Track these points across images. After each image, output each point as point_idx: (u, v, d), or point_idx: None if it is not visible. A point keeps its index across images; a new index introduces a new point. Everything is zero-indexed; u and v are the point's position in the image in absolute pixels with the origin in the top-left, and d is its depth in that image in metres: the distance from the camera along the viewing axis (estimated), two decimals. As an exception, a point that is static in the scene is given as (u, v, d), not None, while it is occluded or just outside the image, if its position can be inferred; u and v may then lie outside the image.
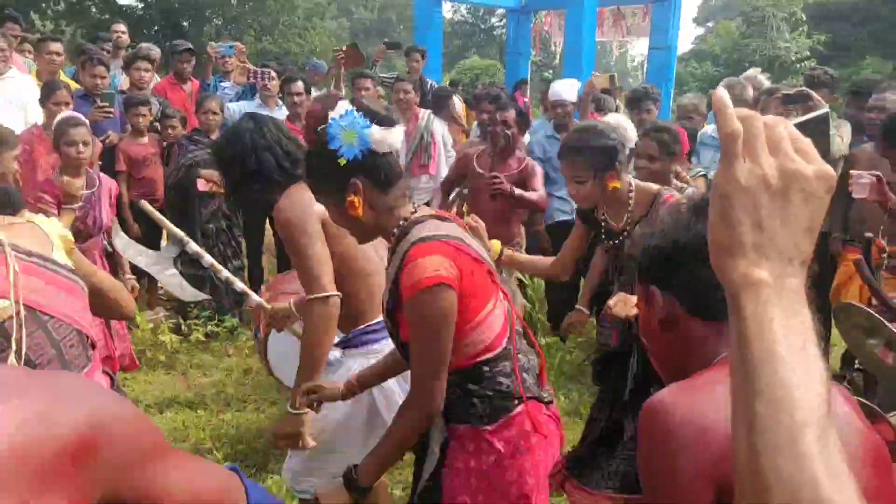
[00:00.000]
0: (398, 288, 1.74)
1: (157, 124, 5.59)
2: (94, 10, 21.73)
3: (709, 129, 5.03)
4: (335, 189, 1.78)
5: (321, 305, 2.30)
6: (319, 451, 2.47)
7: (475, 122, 6.61)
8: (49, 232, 1.88)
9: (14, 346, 1.66)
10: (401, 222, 1.81)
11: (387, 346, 2.28)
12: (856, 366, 4.27)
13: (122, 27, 7.28)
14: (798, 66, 25.44)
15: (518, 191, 4.28)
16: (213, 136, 5.24)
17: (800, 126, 0.73)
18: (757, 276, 0.68)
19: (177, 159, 5.30)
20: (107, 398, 0.83)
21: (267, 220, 5.43)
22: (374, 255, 2.46)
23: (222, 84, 6.53)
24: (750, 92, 4.86)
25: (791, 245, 0.69)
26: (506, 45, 16.13)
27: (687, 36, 57.69)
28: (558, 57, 15.71)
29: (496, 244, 2.69)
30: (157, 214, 3.23)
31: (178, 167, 5.24)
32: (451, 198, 4.93)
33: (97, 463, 0.74)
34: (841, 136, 4.28)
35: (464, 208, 4.79)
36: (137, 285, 4.07)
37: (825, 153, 0.72)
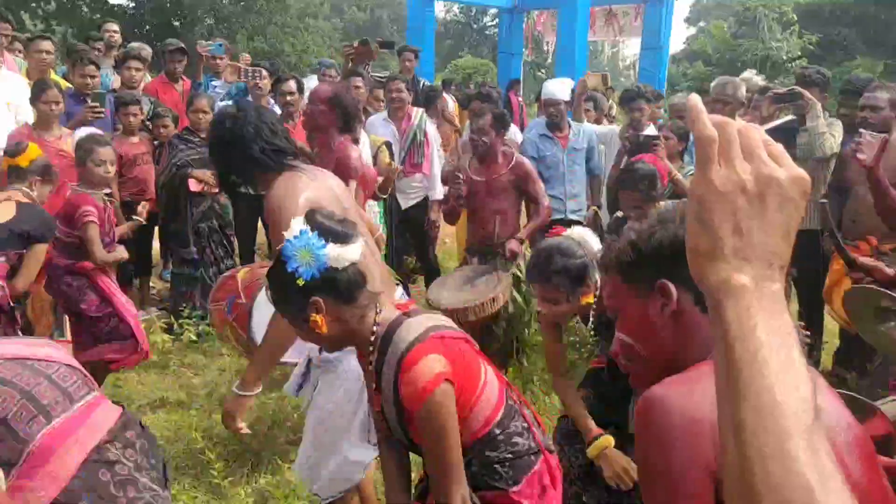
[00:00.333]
0: (400, 400, 1.77)
1: (148, 123, 5.58)
2: (84, 9, 21.62)
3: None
4: (297, 309, 1.77)
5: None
6: (324, 451, 2.48)
7: (468, 122, 6.62)
8: None
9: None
10: (374, 328, 1.83)
11: None
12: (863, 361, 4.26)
13: (114, 27, 7.25)
14: (790, 65, 25.52)
15: (523, 235, 4.45)
16: (204, 136, 5.22)
17: (769, 132, 0.74)
18: (738, 281, 0.68)
19: (167, 159, 5.28)
20: None
21: (259, 220, 5.41)
22: (367, 251, 2.46)
23: (213, 83, 6.51)
24: (744, 91, 4.87)
25: (770, 249, 0.69)
26: (498, 44, 16.14)
27: (679, 36, 58.02)
28: (551, 56, 15.74)
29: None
30: None
31: (169, 167, 5.23)
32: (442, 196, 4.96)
33: None
34: (833, 134, 4.30)
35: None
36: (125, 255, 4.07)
37: (793, 158, 0.73)
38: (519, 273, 4.22)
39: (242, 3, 25.75)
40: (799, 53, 26.78)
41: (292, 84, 5.46)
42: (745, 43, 28.25)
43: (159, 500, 1.78)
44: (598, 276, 2.54)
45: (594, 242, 2.69)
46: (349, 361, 2.46)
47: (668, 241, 1.27)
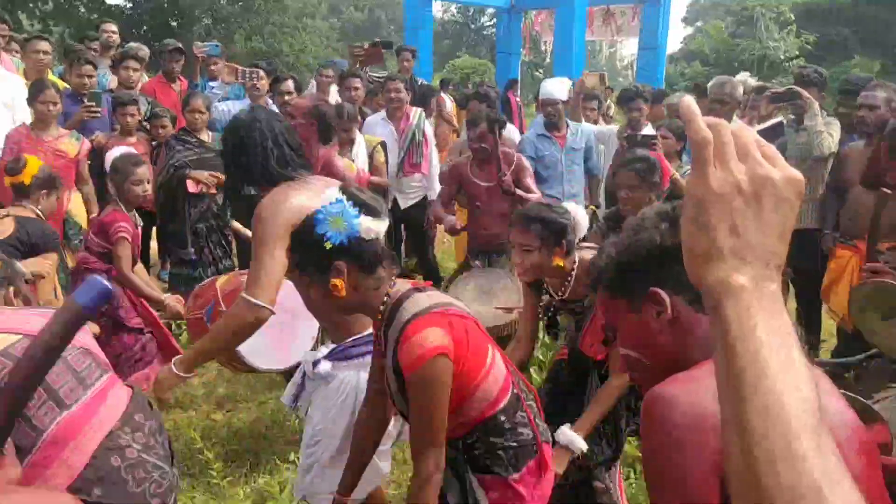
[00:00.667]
0: (399, 367, 1.82)
1: (145, 124, 5.57)
2: (82, 9, 21.61)
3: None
4: (319, 272, 1.86)
5: (244, 307, 2.25)
6: (317, 466, 2.48)
7: (465, 121, 6.63)
8: None
9: None
10: (385, 299, 1.90)
11: None
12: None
13: (112, 27, 7.23)
14: (787, 65, 25.57)
15: (519, 192, 4.37)
16: (202, 136, 5.22)
17: (760, 134, 0.75)
18: (737, 281, 0.68)
19: (165, 159, 5.27)
20: None
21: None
22: None
23: (211, 84, 6.51)
24: (740, 90, 4.88)
25: (767, 249, 0.69)
26: (496, 44, 16.15)
27: (676, 36, 57.90)
28: (548, 56, 15.76)
29: None
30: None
31: (166, 167, 5.21)
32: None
33: None
34: (831, 134, 4.30)
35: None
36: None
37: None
38: None
39: (240, 4, 25.76)
40: (796, 53, 26.83)
41: (290, 84, 5.47)
42: (742, 42, 28.31)
43: (167, 477, 1.79)
44: (575, 251, 2.70)
45: (583, 218, 2.80)
46: (342, 375, 2.45)
47: (648, 249, 1.27)
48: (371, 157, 5.11)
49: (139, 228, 3.97)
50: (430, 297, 1.89)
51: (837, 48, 27.96)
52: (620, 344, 1.36)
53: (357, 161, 4.94)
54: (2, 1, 17.38)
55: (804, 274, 4.40)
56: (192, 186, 5.12)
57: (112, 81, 6.25)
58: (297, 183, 2.47)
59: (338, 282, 1.83)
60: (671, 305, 1.23)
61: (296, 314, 2.68)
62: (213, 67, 6.60)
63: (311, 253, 1.85)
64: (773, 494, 0.61)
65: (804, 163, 4.25)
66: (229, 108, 5.74)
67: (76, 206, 4.87)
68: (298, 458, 2.77)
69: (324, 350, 2.55)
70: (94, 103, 5.08)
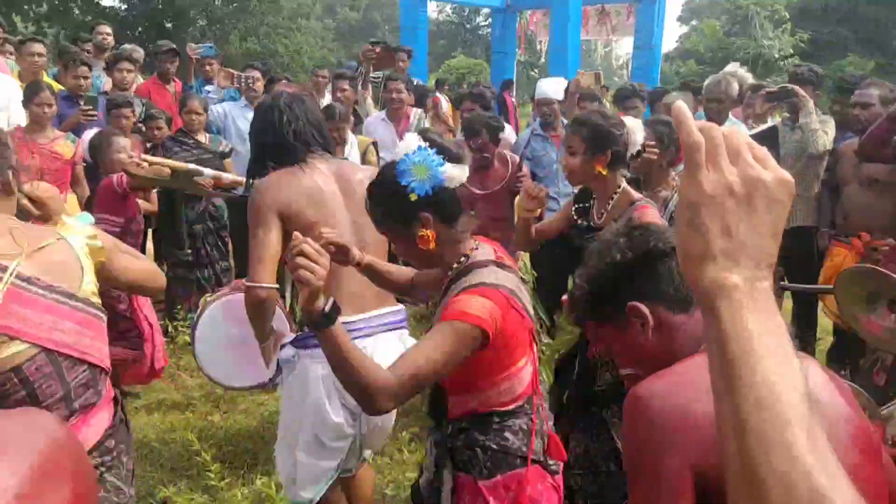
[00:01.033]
0: (440, 315, 1.74)
1: (141, 126, 5.56)
2: (76, 11, 21.56)
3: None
4: (403, 223, 1.78)
5: (246, 292, 2.37)
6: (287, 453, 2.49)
7: (461, 125, 6.64)
8: (78, 249, 1.81)
9: (26, 389, 1.67)
10: (461, 258, 1.84)
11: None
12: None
13: (106, 29, 7.22)
14: (782, 63, 25.62)
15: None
16: (199, 137, 5.21)
17: (753, 138, 0.76)
18: (729, 280, 0.69)
19: (161, 161, 5.26)
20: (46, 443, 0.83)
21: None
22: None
23: (206, 88, 6.51)
24: (735, 87, 4.87)
25: (759, 249, 0.70)
26: (491, 44, 16.15)
27: (671, 35, 58.14)
28: (544, 56, 15.75)
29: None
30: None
31: (163, 168, 5.20)
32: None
33: None
34: (826, 131, 4.31)
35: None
36: None
37: (777, 161, 0.75)
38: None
39: (235, 4, 25.72)
40: (791, 51, 26.90)
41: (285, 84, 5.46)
42: (737, 41, 28.36)
43: (123, 498, 1.83)
44: (622, 161, 2.69)
45: (639, 134, 2.79)
46: (306, 362, 2.43)
47: (614, 269, 1.32)
48: (363, 157, 5.12)
49: (142, 225, 4.00)
50: (505, 277, 1.79)
51: (832, 47, 28.02)
52: (620, 366, 1.41)
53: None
54: (-4, 3, 17.34)
55: (799, 272, 4.41)
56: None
57: (106, 83, 6.24)
58: (308, 165, 2.50)
59: (427, 233, 1.74)
60: (651, 314, 1.28)
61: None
62: (207, 68, 6.61)
63: (394, 207, 1.77)
64: (769, 484, 0.63)
65: (799, 160, 4.26)
66: (225, 110, 5.75)
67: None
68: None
69: (291, 335, 2.57)
70: (90, 107, 5.07)
